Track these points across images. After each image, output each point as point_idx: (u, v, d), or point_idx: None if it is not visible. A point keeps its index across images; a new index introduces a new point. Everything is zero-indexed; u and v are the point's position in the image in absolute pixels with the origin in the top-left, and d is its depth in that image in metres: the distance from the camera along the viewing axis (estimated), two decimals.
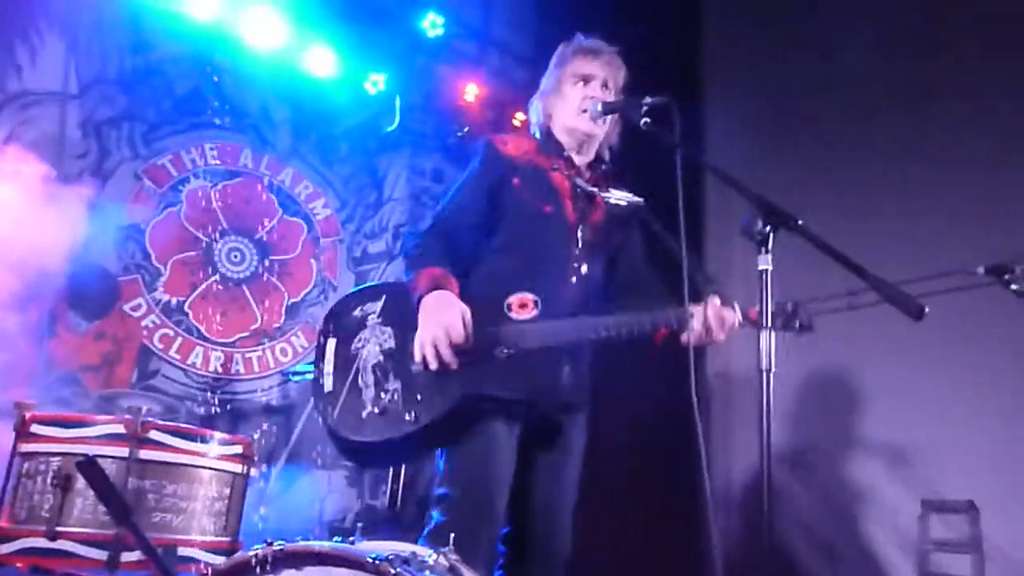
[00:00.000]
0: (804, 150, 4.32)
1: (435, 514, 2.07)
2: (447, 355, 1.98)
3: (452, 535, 1.71)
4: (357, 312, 2.17)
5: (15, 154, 3.56)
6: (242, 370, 4.25)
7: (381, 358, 2.08)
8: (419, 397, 2.02)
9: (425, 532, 2.07)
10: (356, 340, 2.12)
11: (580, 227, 2.30)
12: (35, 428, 1.76)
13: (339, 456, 4.27)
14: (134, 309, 4.00)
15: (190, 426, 1.98)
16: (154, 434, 1.74)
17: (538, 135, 2.44)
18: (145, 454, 1.71)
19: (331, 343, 2.14)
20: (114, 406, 3.78)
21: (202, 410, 4.06)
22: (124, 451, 1.69)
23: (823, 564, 3.93)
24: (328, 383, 2.08)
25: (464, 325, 2.00)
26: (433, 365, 1.98)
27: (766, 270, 1.74)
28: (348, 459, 2.15)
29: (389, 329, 2.12)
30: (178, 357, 4.09)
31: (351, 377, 2.07)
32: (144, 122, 4.08)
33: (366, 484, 4.51)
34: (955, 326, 3.31)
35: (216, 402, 4.12)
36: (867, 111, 4.14)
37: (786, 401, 4.02)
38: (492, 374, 2.06)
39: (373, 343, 2.10)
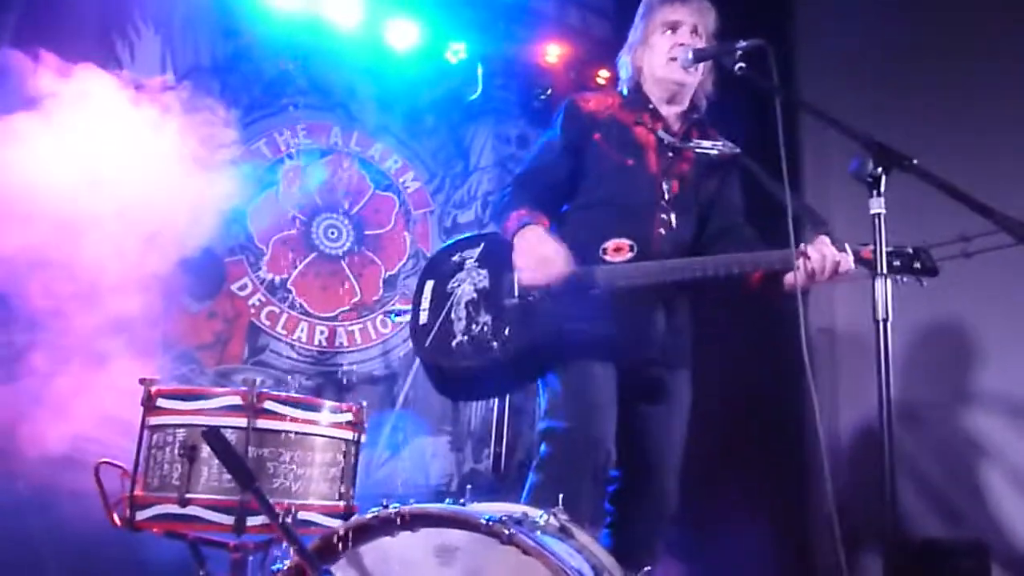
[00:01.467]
0: (907, 86, 4.07)
1: (542, 447, 2.12)
2: (548, 281, 2.05)
3: (560, 495, 1.73)
4: (456, 257, 2.28)
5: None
6: (345, 343, 4.39)
7: (474, 295, 2.18)
8: (508, 329, 2.09)
9: (534, 465, 2.12)
10: (452, 280, 2.23)
11: (664, 179, 2.27)
12: (160, 402, 1.87)
13: (438, 421, 4.45)
14: (241, 288, 4.17)
15: (303, 396, 2.06)
16: (269, 404, 1.82)
17: (625, 91, 2.41)
18: (262, 423, 1.79)
19: (429, 283, 2.27)
20: (229, 381, 3.97)
21: (310, 382, 4.21)
22: (243, 421, 1.78)
23: (943, 522, 3.80)
24: (423, 317, 2.20)
25: (558, 255, 2.05)
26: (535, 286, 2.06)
27: (879, 214, 1.67)
28: (440, 389, 2.26)
29: (485, 271, 2.21)
30: (284, 332, 4.25)
31: (445, 311, 2.18)
32: (238, 107, 4.21)
33: (469, 448, 4.60)
34: None
35: (322, 374, 4.27)
36: (977, 39, 3.86)
37: (897, 354, 3.87)
38: (582, 311, 2.10)
39: (468, 283, 2.20)
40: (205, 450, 1.72)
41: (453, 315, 2.17)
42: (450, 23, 4.57)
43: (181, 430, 1.78)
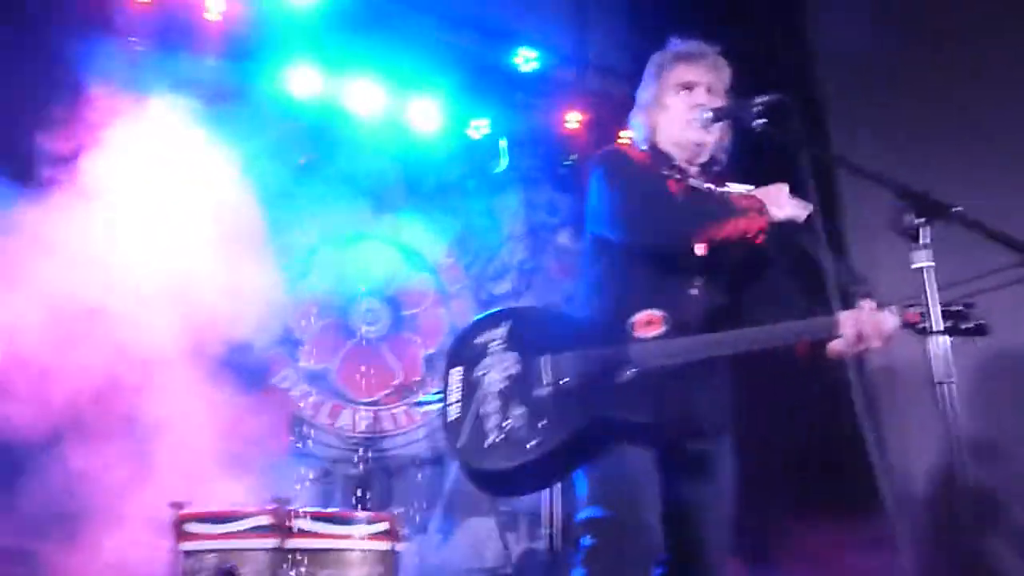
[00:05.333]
0: (938, 133, 3.97)
1: (585, 539, 2.00)
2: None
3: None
4: (480, 339, 2.14)
5: None
6: (390, 427, 4.34)
7: (504, 384, 2.05)
8: (542, 423, 1.97)
9: (578, 559, 2.00)
10: (479, 367, 2.10)
11: None
12: (189, 527, 1.83)
13: (491, 499, 4.34)
14: (282, 380, 4.17)
15: (335, 510, 2.01)
16: (301, 522, 1.76)
17: (645, 147, 2.36)
18: (294, 543, 1.73)
19: (455, 372, 2.12)
20: (277, 472, 3.93)
21: (356, 470, 4.16)
22: (274, 542, 1.72)
23: None
24: (453, 412, 2.07)
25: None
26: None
27: (923, 267, 1.58)
28: (479, 487, 2.14)
29: (513, 354, 2.08)
30: (328, 421, 4.22)
31: (474, 405, 2.05)
32: (269, 198, 4.26)
33: (523, 528, 4.47)
34: None
35: (369, 460, 4.21)
36: (1001, 82, 3.78)
37: (964, 388, 3.70)
38: (618, 396, 1.99)
39: (496, 370, 2.07)
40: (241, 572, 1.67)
41: (483, 409, 2.05)
42: (470, 99, 4.63)
43: (211, 556, 1.73)
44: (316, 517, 1.80)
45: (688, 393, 2.09)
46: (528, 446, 1.95)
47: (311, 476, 4.06)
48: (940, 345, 1.57)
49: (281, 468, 3.98)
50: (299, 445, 4.14)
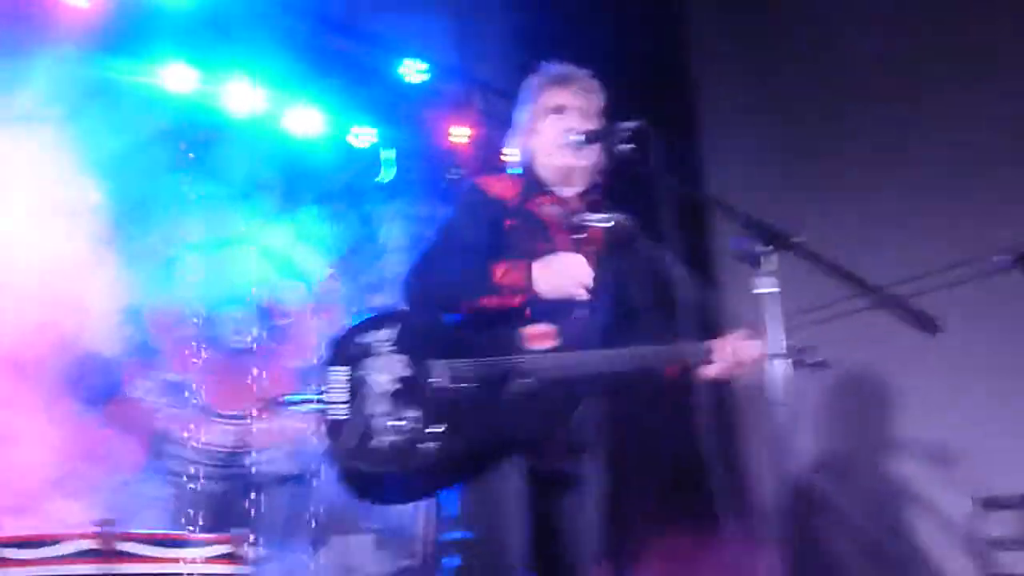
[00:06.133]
0: (802, 158, 4.21)
1: (449, 559, 2.01)
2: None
3: None
4: (364, 339, 2.09)
5: None
6: (255, 442, 4.16)
7: (392, 387, 2.01)
8: (437, 428, 1.97)
9: (447, 573, 2.01)
10: (362, 368, 2.04)
11: None
12: (3, 552, 1.66)
13: (361, 516, 4.22)
14: (137, 391, 3.93)
15: (168, 532, 1.88)
16: (127, 545, 1.64)
17: (520, 171, 2.39)
18: (121, 568, 1.60)
19: (338, 372, 2.06)
20: (129, 491, 3.69)
21: (217, 487, 3.96)
22: (98, 568, 1.59)
23: (876, 571, 3.80)
24: (337, 412, 2.01)
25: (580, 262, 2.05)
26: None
27: (765, 293, 1.64)
28: (356, 493, 2.09)
29: (404, 356, 2.04)
30: (188, 435, 4.00)
31: (360, 405, 2.00)
32: (132, 198, 4.03)
33: (396, 545, 4.38)
34: (980, 315, 3.21)
35: (231, 477, 4.02)
36: (863, 112, 4.05)
37: (819, 404, 3.93)
38: (507, 408, 2.01)
39: (385, 371, 2.03)
40: None
41: (369, 410, 2.00)
42: (354, 107, 4.55)
43: None
44: (146, 540, 1.67)
45: (573, 405, 2.13)
46: (420, 449, 1.92)
47: (168, 494, 3.84)
48: (778, 369, 1.65)
49: (134, 486, 3.74)
50: (155, 461, 3.90)
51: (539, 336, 2.08)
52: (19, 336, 3.27)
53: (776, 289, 1.66)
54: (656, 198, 2.02)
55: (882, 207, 3.93)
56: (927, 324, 1.55)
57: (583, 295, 2.08)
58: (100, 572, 1.59)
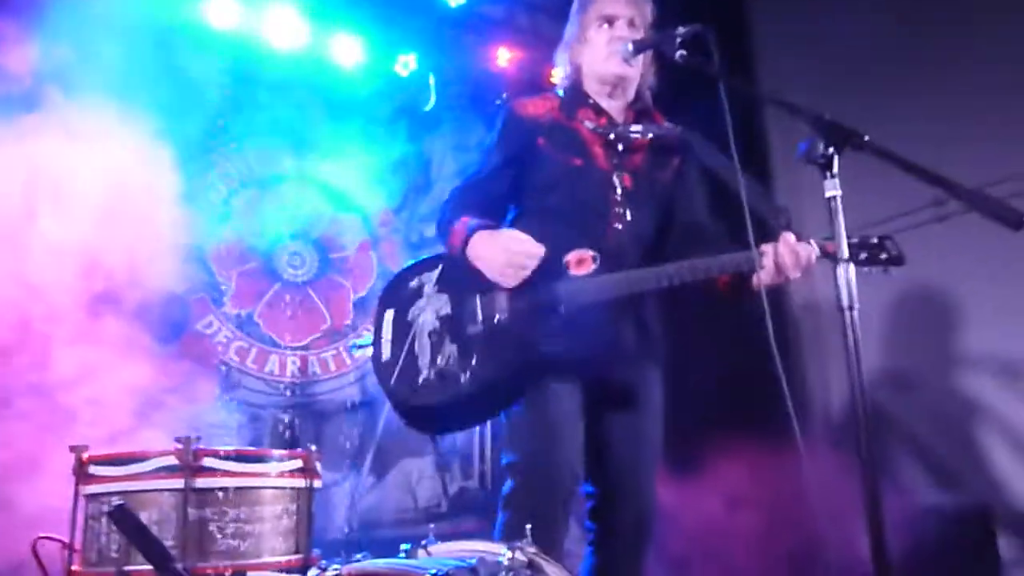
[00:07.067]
0: (864, 61, 4.00)
1: (506, 483, 2.06)
2: (527, 268, 1.99)
3: (529, 527, 1.66)
4: (414, 282, 2.17)
5: None
6: (319, 371, 4.28)
7: (437, 324, 2.08)
8: (475, 359, 2.00)
9: (501, 497, 2.06)
10: (413, 309, 2.13)
11: (616, 174, 2.20)
12: (92, 469, 1.76)
13: (423, 441, 4.35)
14: (206, 327, 4.07)
15: (245, 448, 1.96)
16: (208, 461, 1.72)
17: (561, 91, 2.35)
18: (201, 482, 1.69)
19: (388, 314, 2.15)
20: (203, 420, 3.85)
21: (285, 415, 4.11)
22: (180, 483, 1.67)
23: (941, 485, 3.76)
24: (386, 351, 2.10)
25: (523, 238, 1.99)
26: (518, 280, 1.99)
27: (834, 196, 1.59)
28: (412, 426, 2.18)
29: (445, 296, 2.11)
30: (255, 367, 4.14)
31: (407, 344, 2.08)
32: (184, 138, 4.09)
33: (456, 467, 4.50)
34: None
35: (298, 405, 4.17)
36: (930, 21, 3.82)
37: (881, 321, 3.85)
38: (550, 333, 2.02)
39: (429, 311, 2.10)
40: (143, 517, 1.61)
41: (416, 347, 2.08)
42: (396, 35, 4.49)
43: (115, 497, 1.67)
44: (225, 456, 1.76)
45: (620, 324, 2.14)
46: (460, 379, 1.98)
47: (239, 422, 4.00)
48: (847, 273, 1.60)
49: (207, 415, 3.91)
50: (225, 392, 4.06)
51: (578, 261, 2.06)
52: (95, 277, 3.39)
53: (839, 192, 1.61)
54: (712, 104, 1.96)
55: (958, 107, 3.73)
56: (1010, 217, 1.43)
57: (509, 283, 2.02)
58: (182, 486, 1.67)
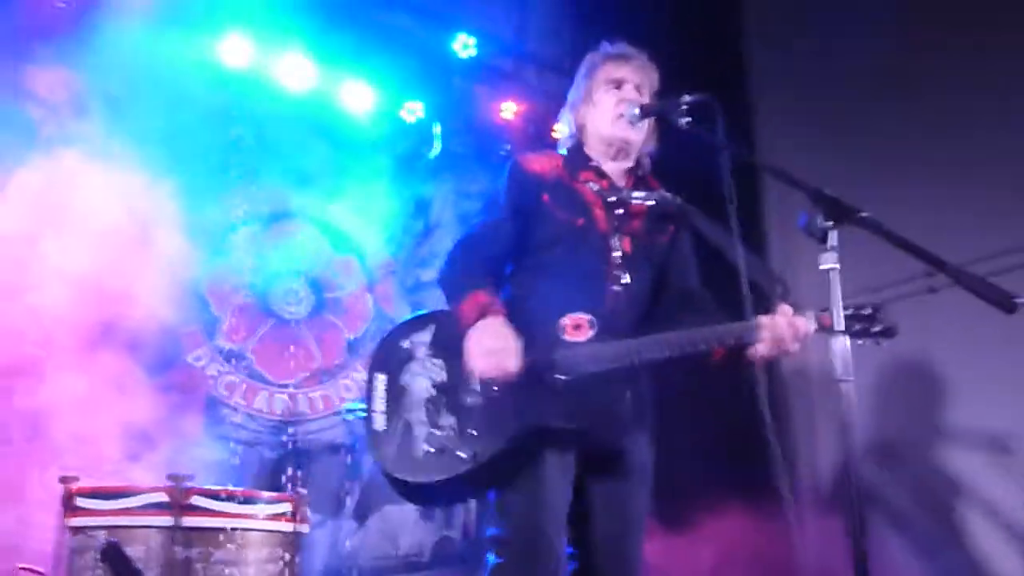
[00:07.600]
0: (862, 137, 4.10)
1: (490, 556, 1.98)
2: (499, 376, 1.90)
3: None
4: (406, 344, 2.09)
5: None
6: (307, 410, 4.26)
7: (433, 392, 2.00)
8: (474, 432, 1.94)
9: (486, 570, 1.99)
10: (405, 374, 2.05)
11: (615, 237, 2.19)
12: (79, 502, 1.75)
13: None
14: (197, 359, 4.05)
15: (234, 488, 1.94)
16: (197, 499, 1.70)
17: (565, 151, 2.37)
18: (189, 521, 1.67)
19: (380, 379, 2.07)
20: (188, 454, 3.81)
21: (271, 453, 4.07)
22: (168, 520, 1.66)
23: (924, 561, 3.73)
24: (380, 422, 2.01)
25: (516, 355, 1.91)
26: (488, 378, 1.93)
27: (831, 269, 1.62)
28: (407, 500, 2.08)
29: (440, 361, 2.04)
30: (244, 403, 4.11)
31: (402, 414, 2.01)
32: (189, 174, 4.12)
33: (439, 516, 4.45)
34: None
35: (284, 444, 4.12)
36: (926, 91, 3.92)
37: (870, 393, 3.85)
38: (549, 403, 1.97)
39: (423, 376, 2.03)
40: (129, 552, 1.60)
41: (413, 418, 2.00)
42: (405, 82, 4.57)
43: (101, 532, 1.66)
44: (213, 495, 1.74)
45: (618, 392, 2.10)
46: (461, 456, 1.91)
47: (223, 458, 3.96)
48: (841, 345, 1.62)
49: (192, 449, 3.87)
50: (212, 427, 4.02)
51: (574, 327, 2.02)
52: (92, 303, 3.38)
53: (836, 265, 1.63)
54: (711, 173, 1.99)
55: (937, 191, 3.81)
56: (1003, 301, 1.46)
57: (488, 375, 1.93)
58: (170, 524, 1.66)
